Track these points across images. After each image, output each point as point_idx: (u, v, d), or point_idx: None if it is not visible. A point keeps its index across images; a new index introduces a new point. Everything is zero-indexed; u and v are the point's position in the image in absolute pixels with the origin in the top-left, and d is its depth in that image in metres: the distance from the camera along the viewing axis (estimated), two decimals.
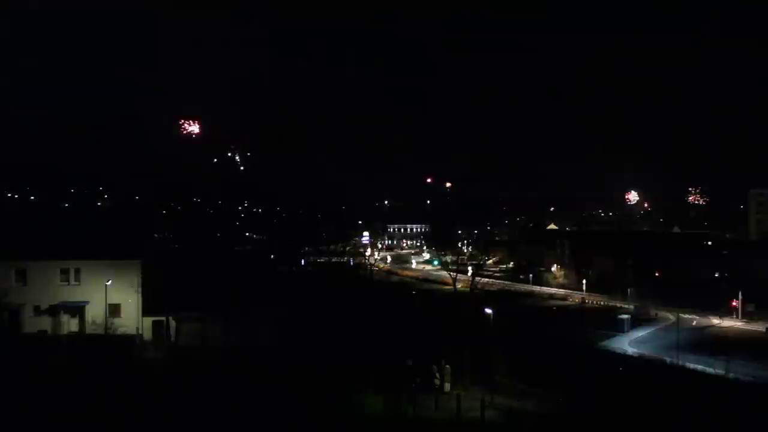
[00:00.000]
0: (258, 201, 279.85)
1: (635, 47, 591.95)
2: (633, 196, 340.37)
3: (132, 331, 67.89)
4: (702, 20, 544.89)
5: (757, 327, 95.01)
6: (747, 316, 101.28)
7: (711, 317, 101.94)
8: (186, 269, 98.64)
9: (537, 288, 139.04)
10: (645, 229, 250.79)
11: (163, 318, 70.37)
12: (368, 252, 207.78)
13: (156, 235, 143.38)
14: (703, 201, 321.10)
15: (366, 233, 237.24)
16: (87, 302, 68.67)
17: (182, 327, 69.66)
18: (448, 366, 54.57)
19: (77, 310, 68.95)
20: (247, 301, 73.56)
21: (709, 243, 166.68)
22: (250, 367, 55.13)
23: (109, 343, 60.93)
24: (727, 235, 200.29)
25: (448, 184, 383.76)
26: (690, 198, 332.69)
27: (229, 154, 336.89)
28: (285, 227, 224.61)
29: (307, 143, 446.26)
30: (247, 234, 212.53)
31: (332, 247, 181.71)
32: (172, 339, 69.49)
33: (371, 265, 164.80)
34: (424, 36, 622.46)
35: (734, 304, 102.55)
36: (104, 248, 71.80)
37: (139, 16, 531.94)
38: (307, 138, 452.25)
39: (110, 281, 67.83)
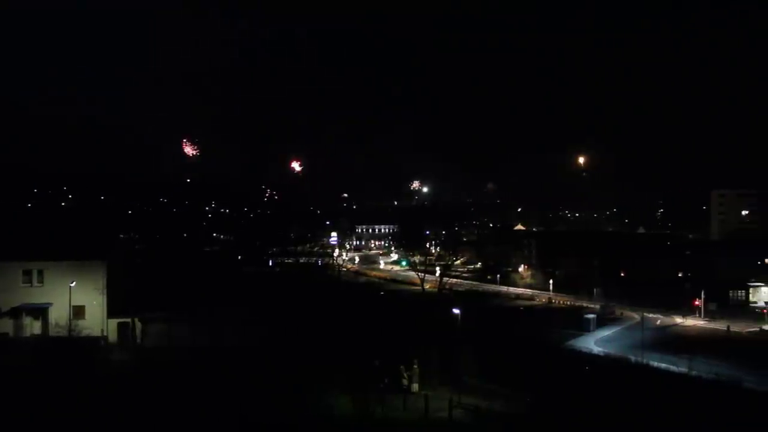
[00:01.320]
0: (226, 201, 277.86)
1: (604, 47, 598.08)
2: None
3: (97, 333, 67.01)
4: (665, 16, 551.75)
5: (719, 326, 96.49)
6: (709, 315, 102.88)
7: (674, 316, 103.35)
8: (152, 270, 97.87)
9: (504, 288, 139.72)
10: (611, 229, 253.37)
11: (129, 319, 69.57)
12: (336, 252, 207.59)
13: (121, 236, 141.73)
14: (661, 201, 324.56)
15: (334, 234, 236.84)
16: (50, 304, 67.62)
17: (148, 328, 68.98)
18: (416, 366, 54.73)
19: (40, 311, 67.87)
20: (214, 302, 73.07)
21: (673, 243, 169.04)
22: (217, 368, 54.79)
23: (73, 346, 60.00)
24: (690, 236, 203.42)
25: (416, 184, 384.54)
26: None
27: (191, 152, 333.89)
28: (252, 228, 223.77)
29: (279, 143, 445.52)
30: (214, 235, 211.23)
31: (300, 247, 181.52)
32: (138, 340, 68.76)
33: (339, 265, 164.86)
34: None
35: (697, 303, 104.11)
36: (68, 249, 70.87)
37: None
38: (278, 138, 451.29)
39: (74, 282, 66.88)
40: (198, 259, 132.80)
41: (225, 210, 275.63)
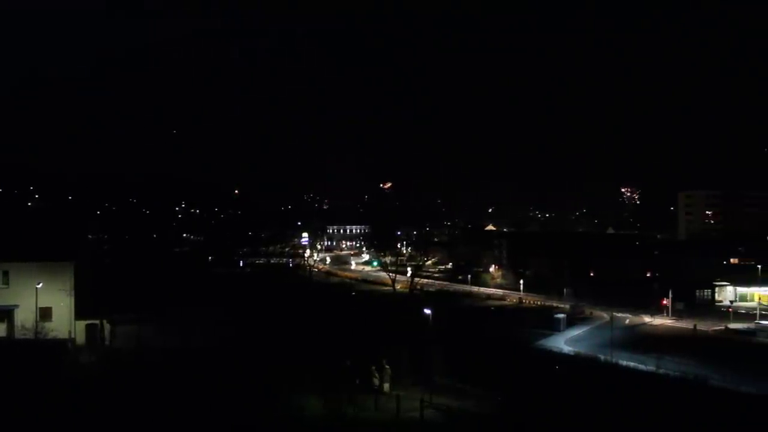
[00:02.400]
0: (196, 202, 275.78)
1: (570, 51, 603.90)
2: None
3: (64, 335, 65.90)
4: (638, 19, 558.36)
5: (686, 324, 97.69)
6: (677, 314, 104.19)
7: (643, 316, 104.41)
8: (121, 271, 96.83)
9: (475, 288, 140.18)
10: (580, 230, 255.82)
11: (98, 321, 68.65)
12: (307, 253, 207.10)
13: (90, 236, 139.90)
14: (636, 199, 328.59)
15: (305, 234, 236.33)
16: (16, 306, 66.39)
17: (117, 330, 68.20)
18: (387, 366, 54.70)
19: (5, 313, 66.62)
20: (184, 303, 72.53)
21: (641, 243, 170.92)
22: (187, 370, 54.31)
23: (40, 348, 58.98)
24: (658, 236, 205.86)
25: (388, 185, 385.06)
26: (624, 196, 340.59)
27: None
28: (223, 228, 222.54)
29: (252, 143, 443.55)
30: (184, 235, 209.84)
31: (271, 248, 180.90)
32: (107, 342, 67.91)
33: (310, 266, 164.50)
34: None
35: (664, 302, 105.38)
36: (34, 249, 69.51)
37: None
38: (252, 138, 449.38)
39: (41, 284, 65.71)
40: (168, 260, 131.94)
41: (195, 210, 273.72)
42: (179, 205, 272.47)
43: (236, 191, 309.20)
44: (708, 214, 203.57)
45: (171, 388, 48.94)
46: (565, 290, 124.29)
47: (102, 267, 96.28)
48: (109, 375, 54.43)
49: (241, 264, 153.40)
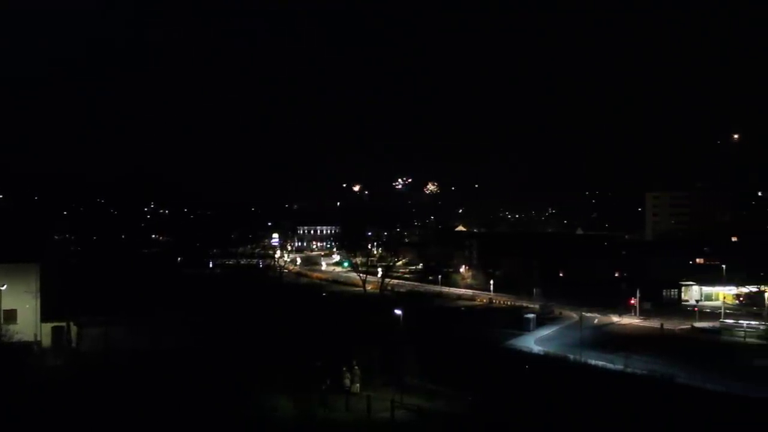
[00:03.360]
0: (165, 202, 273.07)
1: (535, 46, 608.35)
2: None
3: (30, 338, 64.91)
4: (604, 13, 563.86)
5: (653, 324, 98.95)
6: (644, 313, 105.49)
7: (611, 315, 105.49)
8: (88, 272, 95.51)
9: (446, 289, 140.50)
10: (550, 230, 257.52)
11: (64, 323, 67.68)
12: (278, 254, 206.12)
13: (56, 237, 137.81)
14: (605, 200, 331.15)
15: (275, 235, 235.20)
16: None
17: (84, 332, 67.25)
18: (358, 367, 54.67)
19: None
20: (152, 304, 71.74)
21: (610, 244, 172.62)
22: (156, 372, 53.78)
23: (5, 352, 57.94)
24: (626, 236, 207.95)
25: (358, 187, 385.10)
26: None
27: None
28: (192, 229, 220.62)
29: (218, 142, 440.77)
30: (153, 236, 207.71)
31: (241, 248, 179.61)
32: (74, 345, 66.95)
33: (281, 267, 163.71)
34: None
35: (632, 302, 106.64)
36: None
37: None
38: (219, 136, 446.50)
39: (5, 286, 64.60)
40: (136, 261, 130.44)
41: (164, 210, 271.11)
42: (148, 206, 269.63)
43: (206, 191, 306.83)
44: (675, 214, 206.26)
45: (139, 391, 48.46)
46: (534, 290, 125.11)
47: (69, 268, 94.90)
48: (75, 378, 53.71)
49: (210, 265, 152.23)
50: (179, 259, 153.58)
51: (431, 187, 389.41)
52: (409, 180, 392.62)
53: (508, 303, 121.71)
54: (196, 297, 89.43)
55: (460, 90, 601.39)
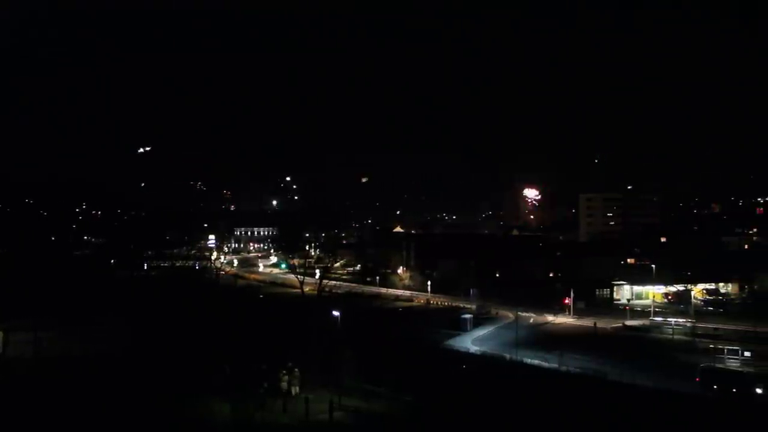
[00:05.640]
0: (98, 203, 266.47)
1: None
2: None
3: None
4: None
5: (587, 323, 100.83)
6: (578, 312, 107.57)
7: (546, 315, 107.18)
8: (16, 276, 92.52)
9: (384, 290, 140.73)
10: (486, 232, 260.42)
11: None
12: (214, 255, 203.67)
13: None
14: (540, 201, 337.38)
15: (212, 236, 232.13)
16: None
17: (11, 338, 65.10)
18: (296, 369, 54.33)
19: None
20: (84, 308, 70.01)
21: (544, 245, 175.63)
22: (87, 378, 52.45)
23: None
24: (561, 237, 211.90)
25: (295, 187, 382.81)
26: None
27: None
28: (126, 230, 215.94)
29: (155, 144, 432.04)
30: (85, 238, 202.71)
31: (177, 250, 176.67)
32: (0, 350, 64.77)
33: (217, 268, 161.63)
34: None
35: (566, 301, 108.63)
36: None
37: None
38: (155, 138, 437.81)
39: None
40: (67, 264, 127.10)
41: (97, 212, 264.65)
42: (80, 207, 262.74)
43: (140, 192, 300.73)
44: (607, 215, 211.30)
45: (68, 399, 47.15)
46: (471, 291, 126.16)
47: None
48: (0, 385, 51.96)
49: (145, 267, 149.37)
50: (112, 261, 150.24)
51: (364, 179, 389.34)
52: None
53: (446, 303, 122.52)
54: (129, 300, 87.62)
55: (396, 89, 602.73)
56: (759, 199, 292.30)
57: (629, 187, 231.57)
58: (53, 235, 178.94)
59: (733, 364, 71.17)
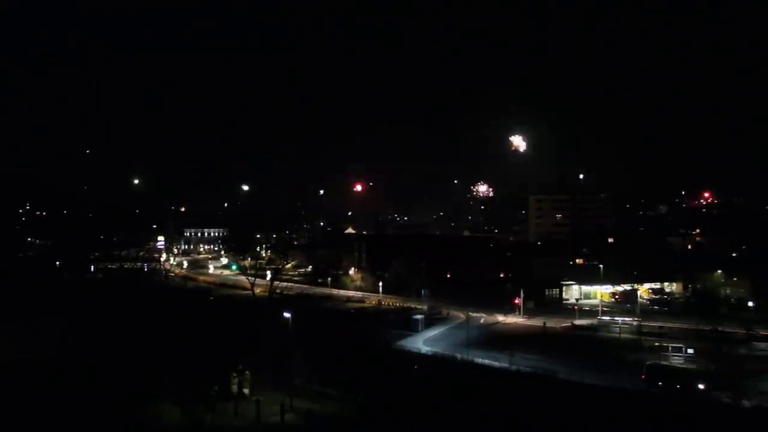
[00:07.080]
0: (42, 203, 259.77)
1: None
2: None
3: None
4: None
5: (536, 322, 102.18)
6: (528, 312, 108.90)
7: (497, 315, 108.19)
8: None
9: (335, 291, 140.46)
10: (437, 232, 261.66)
11: None
12: (163, 257, 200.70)
13: None
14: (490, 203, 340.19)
15: (161, 238, 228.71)
16: None
17: None
18: (247, 371, 53.91)
19: None
20: (28, 311, 68.39)
21: (495, 245, 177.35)
22: (31, 382, 51.23)
23: None
24: (511, 238, 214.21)
25: (246, 187, 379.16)
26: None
27: None
28: (72, 231, 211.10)
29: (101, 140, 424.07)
30: (29, 239, 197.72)
31: (125, 252, 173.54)
32: None
33: (166, 270, 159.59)
34: None
35: (516, 302, 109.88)
36: None
37: None
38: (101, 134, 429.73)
39: None
40: (11, 266, 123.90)
41: (41, 212, 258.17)
42: (23, 207, 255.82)
43: (86, 192, 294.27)
44: (556, 217, 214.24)
45: (7, 404, 46.00)
46: (422, 291, 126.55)
47: None
48: None
49: (92, 269, 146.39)
50: (58, 263, 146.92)
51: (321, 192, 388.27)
52: None
53: (397, 304, 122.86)
54: (76, 302, 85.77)
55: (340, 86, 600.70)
56: (702, 201, 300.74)
57: (578, 190, 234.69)
58: None
59: (677, 361, 73.03)
